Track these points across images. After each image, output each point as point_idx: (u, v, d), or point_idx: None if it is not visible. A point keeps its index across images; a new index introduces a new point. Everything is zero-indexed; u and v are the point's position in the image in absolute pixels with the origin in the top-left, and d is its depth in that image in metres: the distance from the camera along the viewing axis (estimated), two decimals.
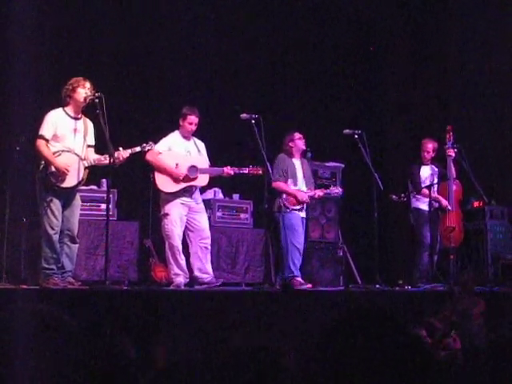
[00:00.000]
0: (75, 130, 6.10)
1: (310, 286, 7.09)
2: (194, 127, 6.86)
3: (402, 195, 7.88)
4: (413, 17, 9.83)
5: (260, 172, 6.80)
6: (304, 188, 7.38)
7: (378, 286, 6.94)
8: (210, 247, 6.89)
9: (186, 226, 6.78)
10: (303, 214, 7.36)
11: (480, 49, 9.08)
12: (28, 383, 1.47)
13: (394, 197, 7.88)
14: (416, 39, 9.81)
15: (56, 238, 5.94)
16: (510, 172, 8.85)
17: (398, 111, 9.88)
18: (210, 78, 8.85)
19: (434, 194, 7.75)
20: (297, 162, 7.49)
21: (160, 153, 6.73)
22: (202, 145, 7.03)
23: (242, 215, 8.17)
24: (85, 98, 6.03)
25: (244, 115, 6.75)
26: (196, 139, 7.01)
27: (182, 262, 6.72)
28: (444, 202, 7.77)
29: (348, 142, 7.40)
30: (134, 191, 7.93)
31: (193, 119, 6.83)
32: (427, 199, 7.69)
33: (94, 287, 5.88)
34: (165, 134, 6.88)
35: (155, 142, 6.62)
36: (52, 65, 7.70)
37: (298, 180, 7.40)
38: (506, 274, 8.00)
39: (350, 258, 8.24)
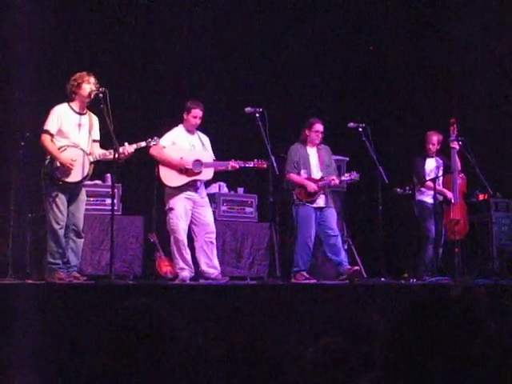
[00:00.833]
0: (80, 125, 6.11)
1: (314, 280, 7.10)
2: (198, 121, 6.84)
3: (407, 188, 7.88)
4: (416, 9, 9.78)
5: (265, 166, 6.78)
6: (319, 176, 7.33)
7: (382, 279, 6.95)
8: (214, 241, 6.89)
9: (190, 221, 6.78)
10: (321, 203, 7.28)
11: (484, 40, 9.04)
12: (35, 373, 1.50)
13: (398, 190, 7.87)
14: (420, 30, 9.77)
15: (61, 232, 5.97)
16: None
17: (403, 104, 9.85)
18: (215, 71, 8.83)
19: (439, 187, 7.73)
20: (311, 150, 7.42)
21: (164, 147, 6.73)
22: (206, 139, 7.02)
23: (247, 209, 8.16)
24: (89, 93, 6.03)
25: (248, 109, 6.75)
26: (200, 133, 7.00)
27: (188, 256, 6.73)
28: (449, 195, 7.74)
29: (352, 135, 7.40)
30: (139, 186, 7.94)
31: (197, 113, 6.81)
32: (431, 192, 7.64)
33: (99, 282, 5.90)
34: (169, 129, 6.88)
35: (160, 137, 6.61)
36: (56, 59, 7.72)
37: (311, 169, 7.36)
38: (511, 267, 7.98)
39: (354, 250, 8.23)
